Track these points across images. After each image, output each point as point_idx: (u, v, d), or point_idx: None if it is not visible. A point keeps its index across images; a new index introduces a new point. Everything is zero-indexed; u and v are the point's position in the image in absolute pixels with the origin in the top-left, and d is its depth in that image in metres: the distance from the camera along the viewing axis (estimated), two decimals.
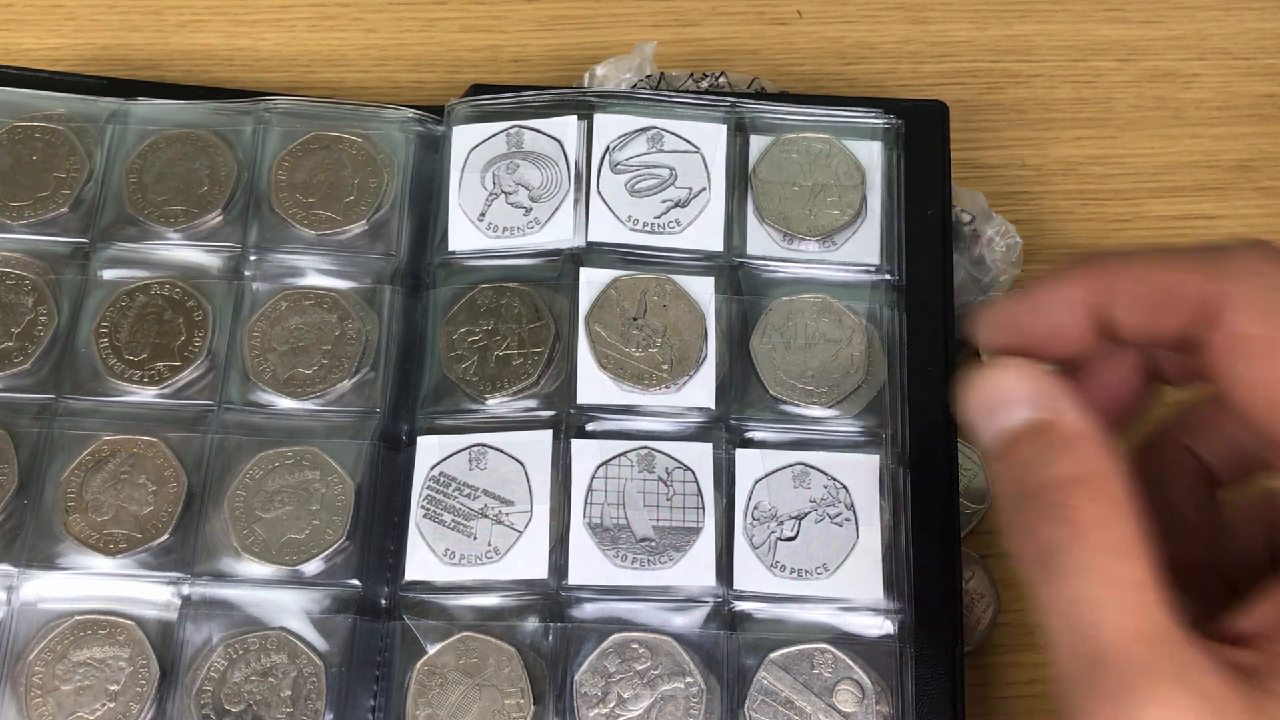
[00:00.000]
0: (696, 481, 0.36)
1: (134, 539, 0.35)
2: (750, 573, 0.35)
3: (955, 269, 0.40)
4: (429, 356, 0.38)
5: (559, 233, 0.39)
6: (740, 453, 0.36)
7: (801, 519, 0.35)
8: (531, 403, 0.37)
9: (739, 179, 0.39)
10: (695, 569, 0.35)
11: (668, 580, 0.35)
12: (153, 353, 0.37)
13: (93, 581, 0.35)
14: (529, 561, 0.35)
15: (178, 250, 0.39)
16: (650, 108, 0.40)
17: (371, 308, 0.38)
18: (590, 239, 0.39)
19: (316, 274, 0.39)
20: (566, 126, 0.40)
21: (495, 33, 0.50)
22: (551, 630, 0.34)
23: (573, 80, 0.47)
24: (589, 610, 0.35)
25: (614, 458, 0.36)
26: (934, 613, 0.35)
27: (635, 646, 0.34)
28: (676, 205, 0.39)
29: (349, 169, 0.40)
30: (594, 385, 0.37)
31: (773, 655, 0.34)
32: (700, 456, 0.36)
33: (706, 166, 0.39)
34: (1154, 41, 0.49)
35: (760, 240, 0.39)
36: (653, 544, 0.35)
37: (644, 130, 0.40)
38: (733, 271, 0.38)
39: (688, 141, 0.40)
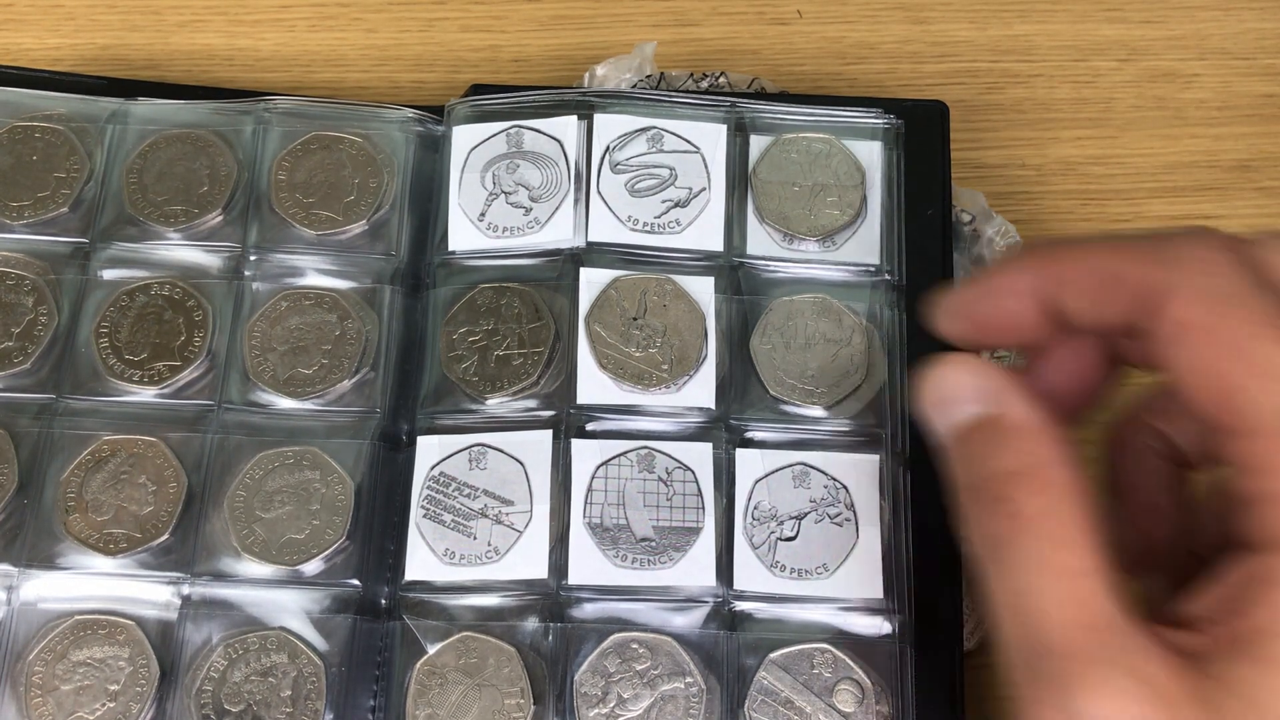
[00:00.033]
0: (696, 481, 0.36)
1: (134, 539, 0.35)
2: (750, 573, 0.35)
3: (955, 269, 0.40)
4: (429, 356, 0.38)
5: (559, 233, 0.39)
6: (740, 453, 0.36)
7: (801, 519, 0.35)
8: (531, 403, 0.37)
9: (739, 179, 0.39)
10: (695, 569, 0.35)
11: (668, 580, 0.35)
12: (153, 353, 0.37)
13: (93, 581, 0.35)
14: (529, 561, 0.35)
15: (178, 250, 0.39)
16: (650, 108, 0.40)
17: (371, 308, 0.38)
18: (590, 239, 0.39)
19: (316, 274, 0.39)
20: (566, 126, 0.40)
21: (495, 33, 0.50)
22: (551, 630, 0.34)
23: (573, 80, 0.47)
24: (589, 610, 0.35)
25: (614, 458, 0.36)
26: (934, 613, 0.35)
27: (635, 646, 0.34)
28: (676, 205, 0.39)
29: (349, 169, 0.40)
30: (594, 385, 0.37)
31: (773, 655, 0.34)
32: (700, 456, 0.36)
33: (706, 166, 0.39)
34: (1154, 41, 0.49)
35: (760, 240, 0.39)
36: (653, 544, 0.35)
37: (644, 130, 0.40)
38: (733, 271, 0.38)
39: (688, 141, 0.40)
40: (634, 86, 0.45)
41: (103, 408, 0.37)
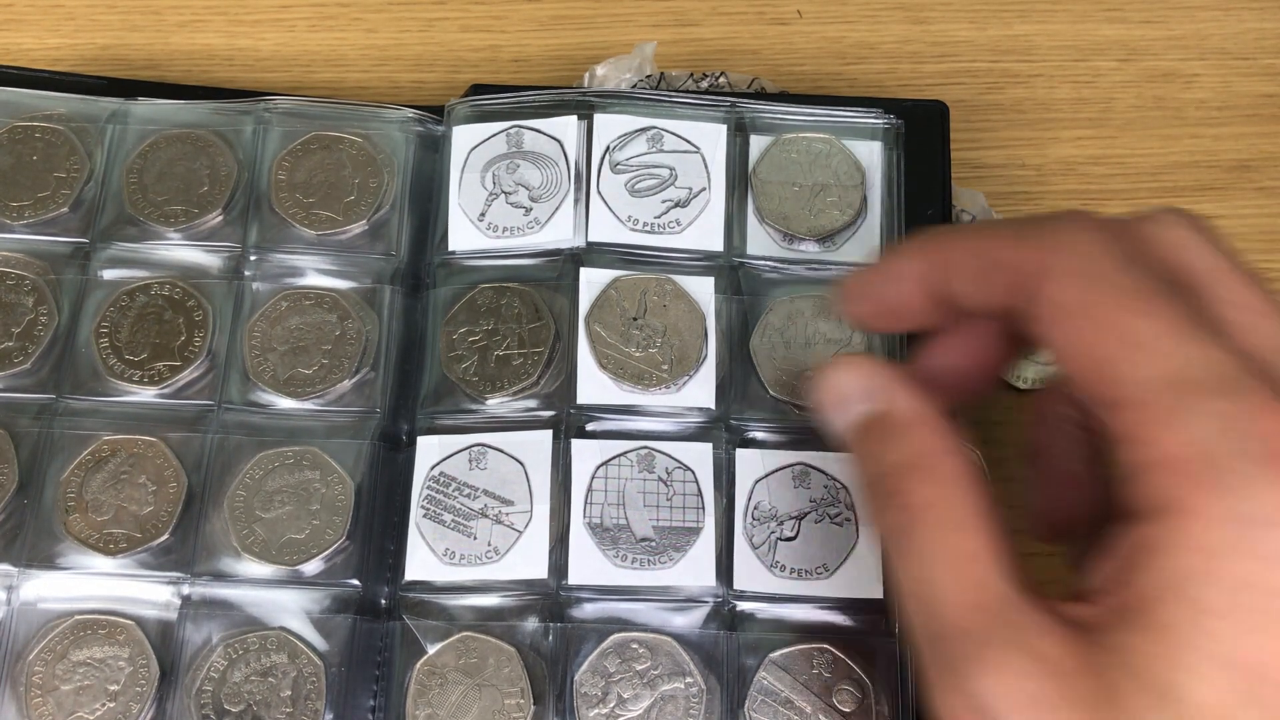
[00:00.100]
0: (696, 481, 0.36)
1: (134, 539, 0.35)
2: (750, 573, 0.35)
3: None
4: (429, 356, 0.38)
5: (559, 233, 0.39)
6: (740, 453, 0.36)
7: (801, 519, 0.35)
8: (531, 403, 0.37)
9: (739, 179, 0.39)
10: (695, 569, 0.35)
11: (668, 580, 0.35)
12: (153, 353, 0.37)
13: (93, 581, 0.35)
14: (529, 561, 0.35)
15: (178, 250, 0.39)
16: (650, 108, 0.40)
17: (371, 308, 0.38)
18: (590, 239, 0.39)
19: (316, 274, 0.39)
20: (566, 126, 0.40)
21: (495, 33, 0.50)
22: (551, 630, 0.34)
23: (573, 80, 0.47)
24: (589, 610, 0.35)
25: (614, 458, 0.36)
26: None
27: (635, 646, 0.34)
28: (676, 205, 0.39)
29: (349, 169, 0.40)
30: (594, 385, 0.37)
31: (773, 655, 0.34)
32: (700, 456, 0.36)
33: (706, 166, 0.39)
34: (1154, 41, 0.49)
35: (760, 240, 0.39)
36: (653, 544, 0.35)
37: (644, 130, 0.40)
38: (733, 271, 0.38)
39: (688, 141, 0.40)
40: (634, 86, 0.45)
41: (103, 408, 0.37)
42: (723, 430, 0.36)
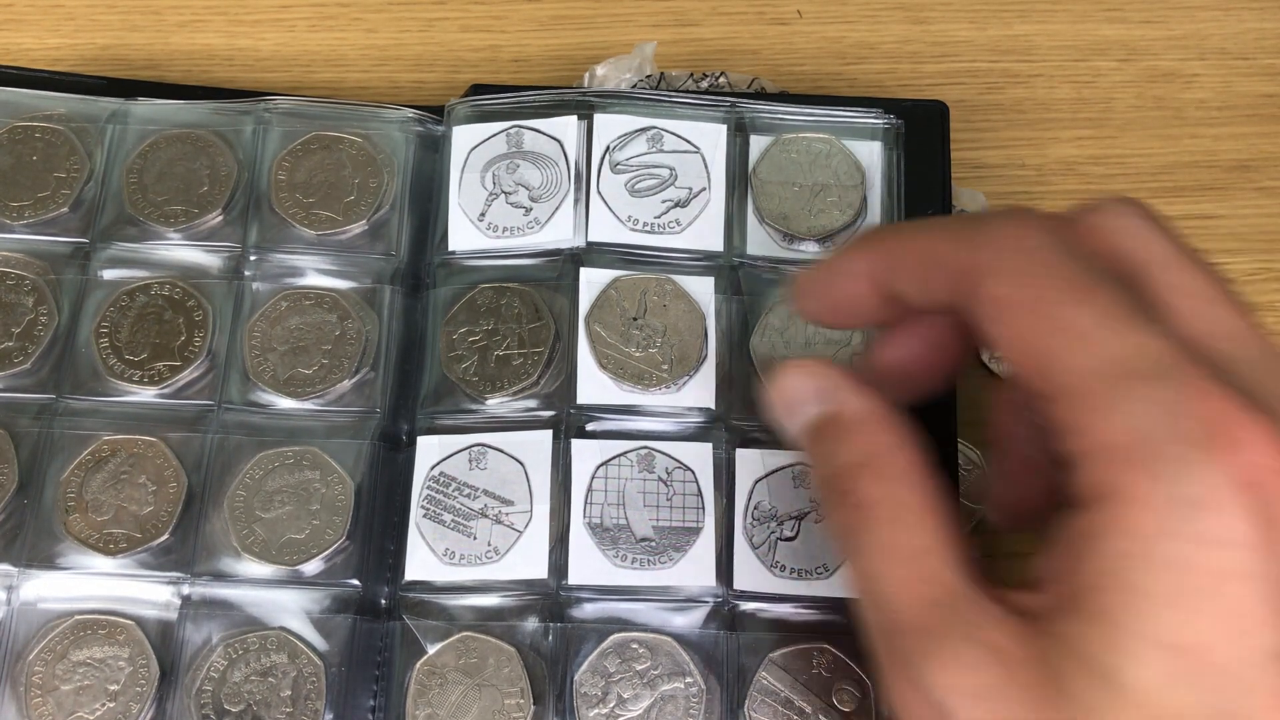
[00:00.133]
0: (696, 481, 0.36)
1: (134, 539, 0.35)
2: (750, 573, 0.35)
3: None
4: (429, 356, 0.38)
5: (559, 233, 0.39)
6: (740, 453, 0.36)
7: (801, 519, 0.35)
8: (531, 403, 0.37)
9: (739, 179, 0.39)
10: (695, 569, 0.35)
11: (668, 580, 0.35)
12: (153, 353, 0.37)
13: (93, 581, 0.35)
14: (529, 561, 0.35)
15: (178, 250, 0.39)
16: (650, 108, 0.40)
17: (371, 308, 0.38)
18: (590, 239, 0.39)
19: (316, 274, 0.39)
20: (566, 126, 0.40)
21: (495, 33, 0.50)
22: (551, 630, 0.34)
23: (573, 80, 0.47)
24: (589, 610, 0.35)
25: (614, 458, 0.36)
26: None
27: (635, 646, 0.34)
28: (676, 205, 0.39)
29: (349, 169, 0.40)
30: (594, 385, 0.37)
31: (773, 655, 0.34)
32: (700, 456, 0.36)
33: (706, 166, 0.39)
34: (1154, 41, 0.49)
35: (760, 240, 0.39)
36: (653, 544, 0.35)
37: (644, 130, 0.40)
38: (733, 271, 0.38)
39: (688, 141, 0.40)
40: (634, 86, 0.45)
41: (103, 408, 0.37)
42: (723, 430, 0.36)
